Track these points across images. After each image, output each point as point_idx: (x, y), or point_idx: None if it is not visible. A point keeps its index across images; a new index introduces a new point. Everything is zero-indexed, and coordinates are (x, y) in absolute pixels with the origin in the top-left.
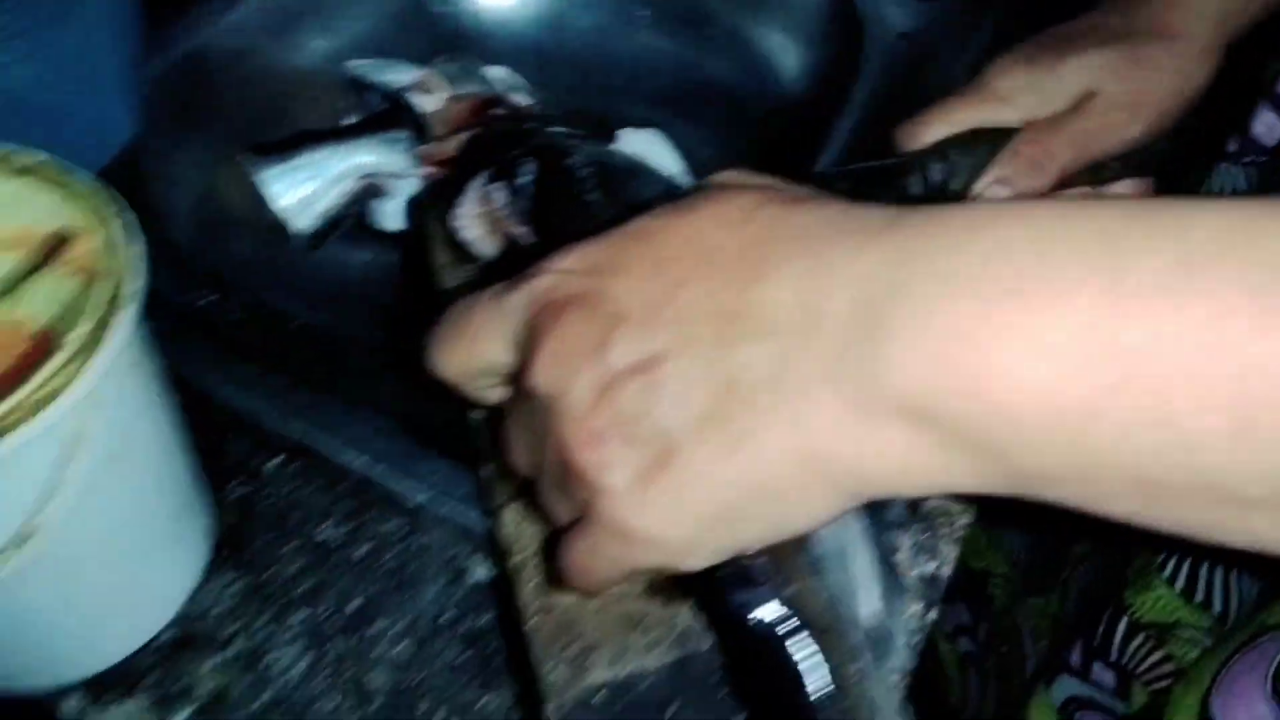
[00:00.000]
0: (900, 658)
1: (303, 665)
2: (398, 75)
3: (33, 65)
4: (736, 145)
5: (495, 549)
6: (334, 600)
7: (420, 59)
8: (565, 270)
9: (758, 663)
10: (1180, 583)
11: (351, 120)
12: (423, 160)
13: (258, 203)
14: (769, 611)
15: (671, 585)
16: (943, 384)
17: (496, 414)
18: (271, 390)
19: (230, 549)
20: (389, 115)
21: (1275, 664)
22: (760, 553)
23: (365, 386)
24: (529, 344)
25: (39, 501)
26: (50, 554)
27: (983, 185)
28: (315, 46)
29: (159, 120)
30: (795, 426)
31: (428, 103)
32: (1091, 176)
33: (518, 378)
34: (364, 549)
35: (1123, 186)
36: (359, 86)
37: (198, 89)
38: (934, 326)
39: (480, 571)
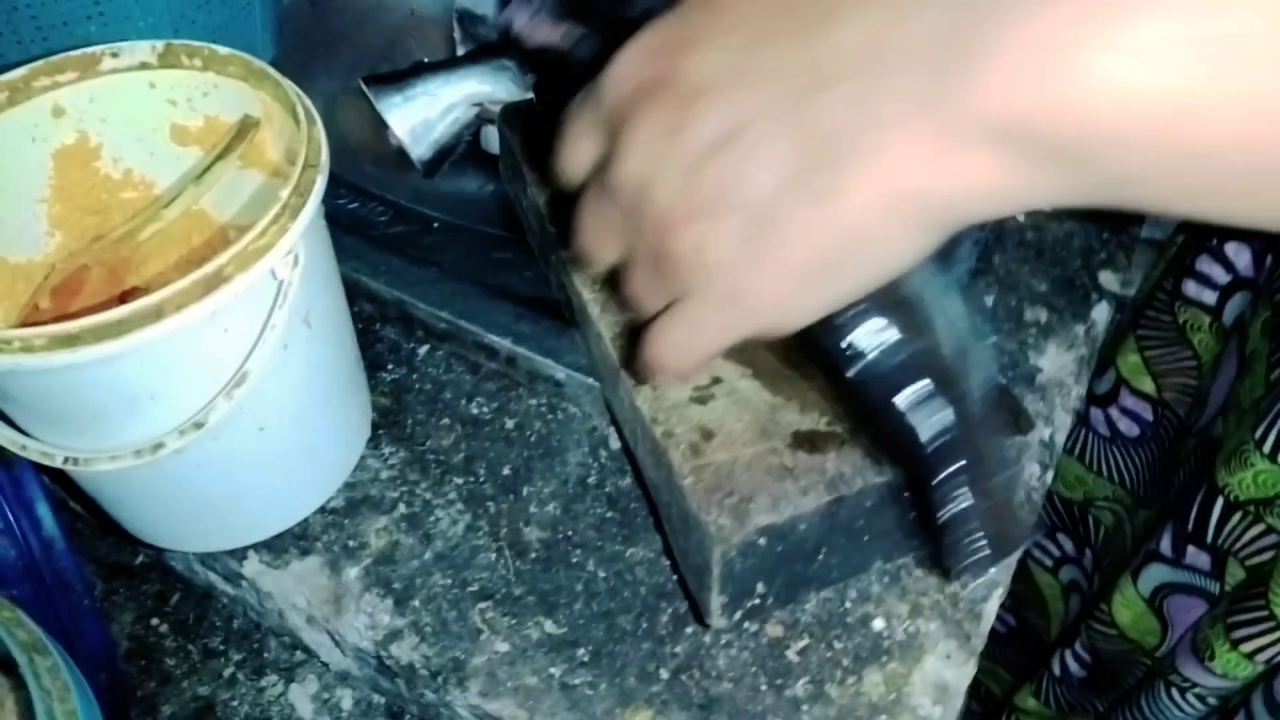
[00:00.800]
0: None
1: (462, 525)
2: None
3: None
4: None
5: (629, 421)
6: (487, 468)
7: None
8: (639, 53)
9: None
10: None
11: (461, 51)
12: (530, 86)
13: (380, 129)
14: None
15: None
16: (1032, 100)
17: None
18: (418, 281)
19: (388, 426)
20: (496, 46)
21: None
22: (860, 301)
23: (505, 276)
24: (615, 135)
25: (251, 347)
26: (252, 404)
27: None
28: None
29: (289, 51)
30: (881, 167)
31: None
32: None
33: (603, 171)
34: (511, 422)
35: None
36: (467, 19)
37: (318, 24)
38: (1018, 40)
39: (620, 439)
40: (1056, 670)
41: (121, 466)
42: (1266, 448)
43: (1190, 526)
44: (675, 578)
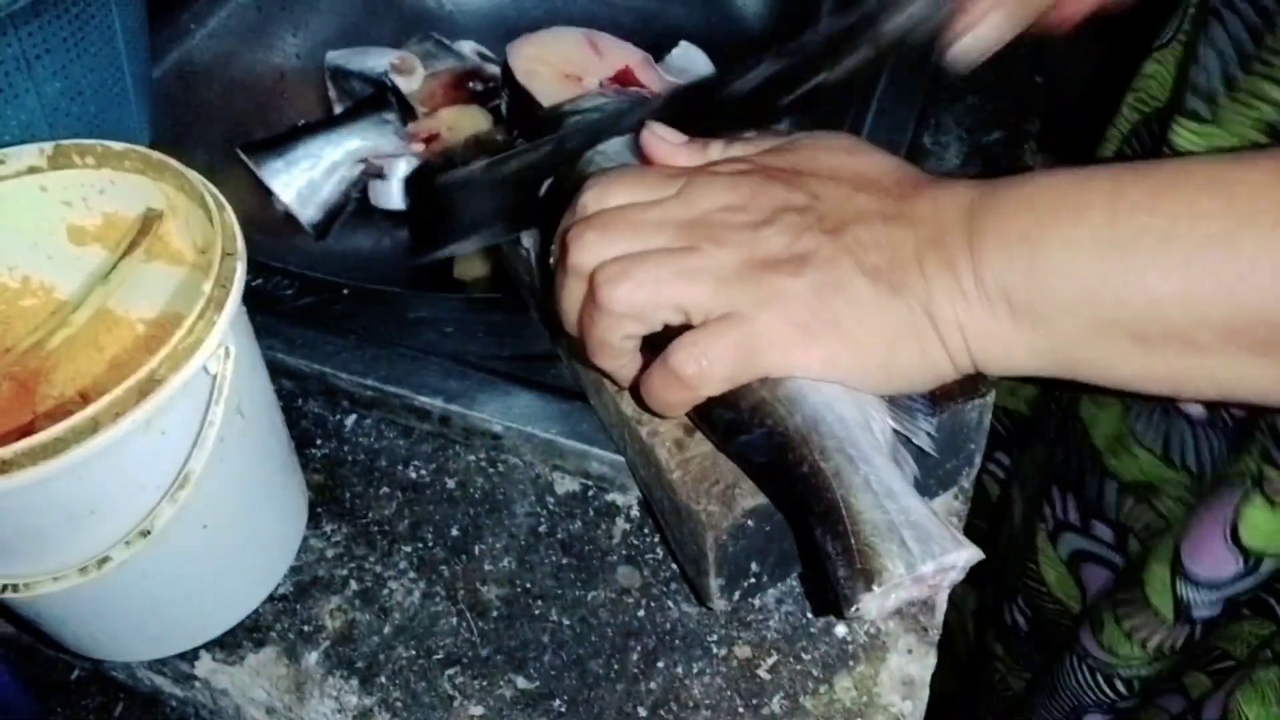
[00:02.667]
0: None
1: (417, 594)
2: (375, 61)
3: (61, 79)
4: None
5: (616, 426)
6: (434, 532)
7: (392, 43)
8: (759, 162)
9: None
10: (1158, 448)
11: (339, 109)
12: (412, 138)
13: (265, 197)
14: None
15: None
16: (1013, 271)
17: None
18: (336, 351)
19: (326, 503)
20: (374, 99)
21: (1233, 513)
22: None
23: (425, 335)
24: (730, 190)
25: (190, 447)
26: (194, 504)
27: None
28: (291, 45)
29: (161, 127)
30: (929, 292)
31: (408, 83)
32: None
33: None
34: (453, 482)
35: None
36: (340, 76)
37: (190, 96)
38: (1007, 229)
39: (566, 483)
40: (1007, 620)
41: (66, 586)
42: (1145, 440)
43: (1091, 500)
44: (642, 613)
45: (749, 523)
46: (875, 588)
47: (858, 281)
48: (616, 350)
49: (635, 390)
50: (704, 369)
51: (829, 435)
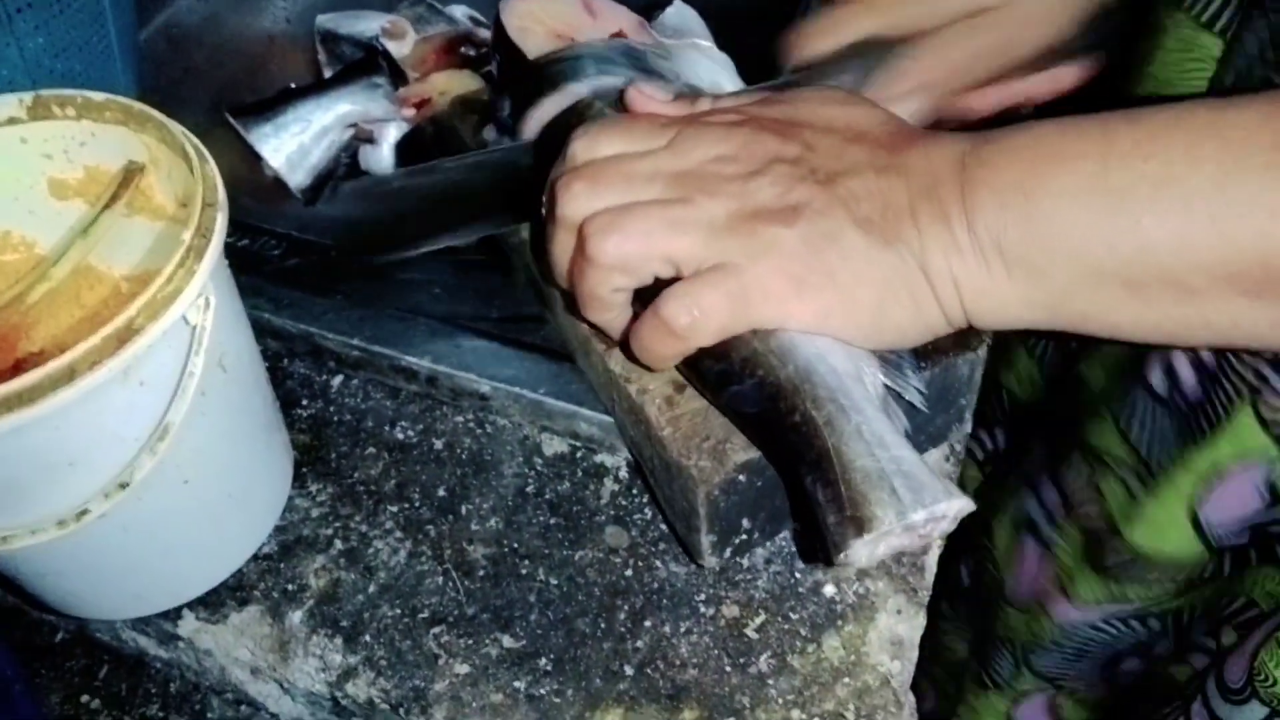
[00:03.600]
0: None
1: (403, 553)
2: (366, 24)
3: (44, 34)
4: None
5: (605, 386)
6: (421, 492)
7: (384, 7)
8: (751, 113)
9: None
10: (1123, 416)
11: (329, 74)
12: (402, 102)
13: (254, 161)
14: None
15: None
16: (1006, 223)
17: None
18: (323, 311)
19: (311, 463)
20: (364, 64)
21: (1267, 472)
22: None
23: (413, 296)
24: (722, 140)
25: (169, 398)
26: (175, 458)
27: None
28: (281, 7)
29: (149, 90)
30: (923, 244)
31: (398, 47)
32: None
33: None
34: (440, 442)
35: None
36: (331, 40)
37: (177, 59)
38: (1000, 180)
39: (555, 444)
40: (954, 577)
41: (44, 539)
42: (1114, 408)
43: (1054, 466)
44: (629, 573)
45: (740, 478)
46: (865, 535)
47: (850, 233)
48: (606, 303)
49: (625, 345)
50: (696, 319)
51: (821, 385)
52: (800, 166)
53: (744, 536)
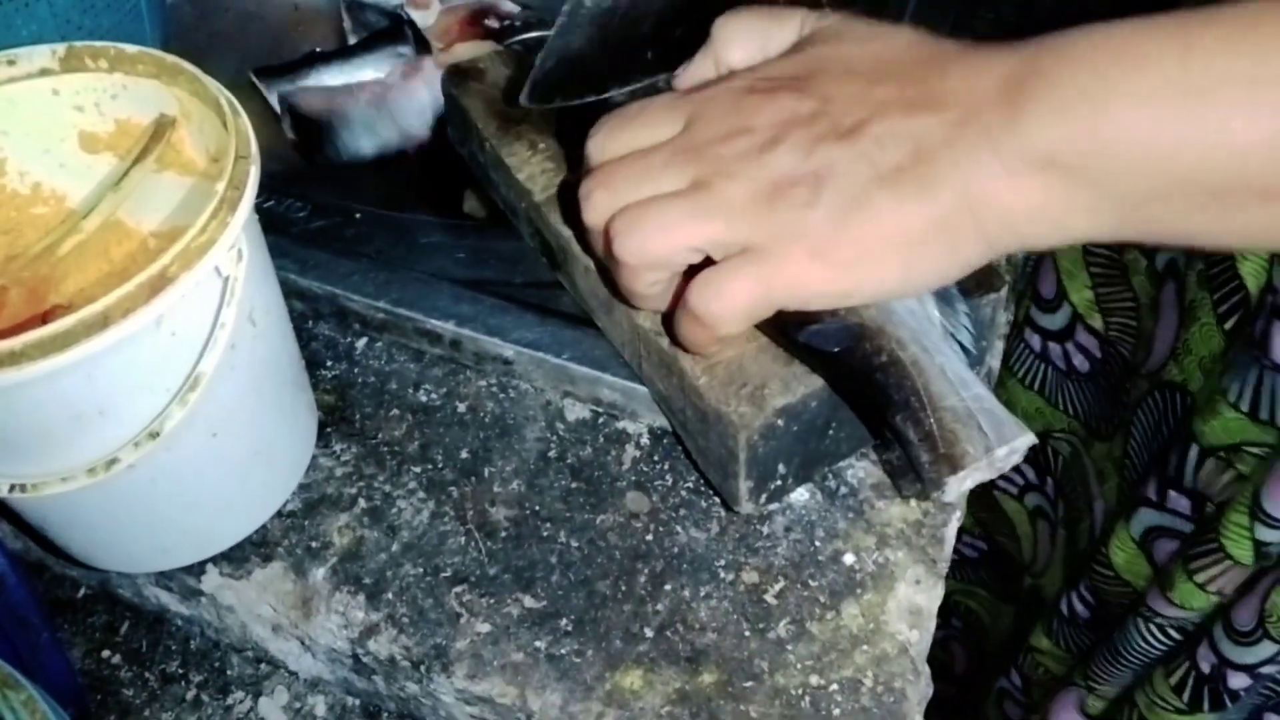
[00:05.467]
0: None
1: (426, 513)
2: None
3: None
4: None
5: (630, 343)
6: (444, 454)
7: None
8: (762, 75)
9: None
10: (1245, 404)
11: (354, 41)
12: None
13: (276, 124)
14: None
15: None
16: (1069, 133)
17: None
18: (349, 273)
19: (336, 424)
20: (389, 32)
21: None
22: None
23: (437, 260)
24: (734, 112)
25: (200, 349)
26: (204, 409)
27: None
28: None
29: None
30: (963, 178)
31: (423, 17)
32: None
33: (701, 140)
34: (463, 405)
35: None
36: (356, 8)
37: (203, 25)
38: (1060, 90)
39: (577, 409)
40: (1065, 611)
41: (74, 488)
42: (1231, 397)
43: (1171, 471)
44: (650, 538)
45: (779, 422)
46: (959, 471)
47: (877, 194)
48: (648, 296)
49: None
50: (722, 309)
51: (902, 326)
52: (818, 124)
53: (779, 481)
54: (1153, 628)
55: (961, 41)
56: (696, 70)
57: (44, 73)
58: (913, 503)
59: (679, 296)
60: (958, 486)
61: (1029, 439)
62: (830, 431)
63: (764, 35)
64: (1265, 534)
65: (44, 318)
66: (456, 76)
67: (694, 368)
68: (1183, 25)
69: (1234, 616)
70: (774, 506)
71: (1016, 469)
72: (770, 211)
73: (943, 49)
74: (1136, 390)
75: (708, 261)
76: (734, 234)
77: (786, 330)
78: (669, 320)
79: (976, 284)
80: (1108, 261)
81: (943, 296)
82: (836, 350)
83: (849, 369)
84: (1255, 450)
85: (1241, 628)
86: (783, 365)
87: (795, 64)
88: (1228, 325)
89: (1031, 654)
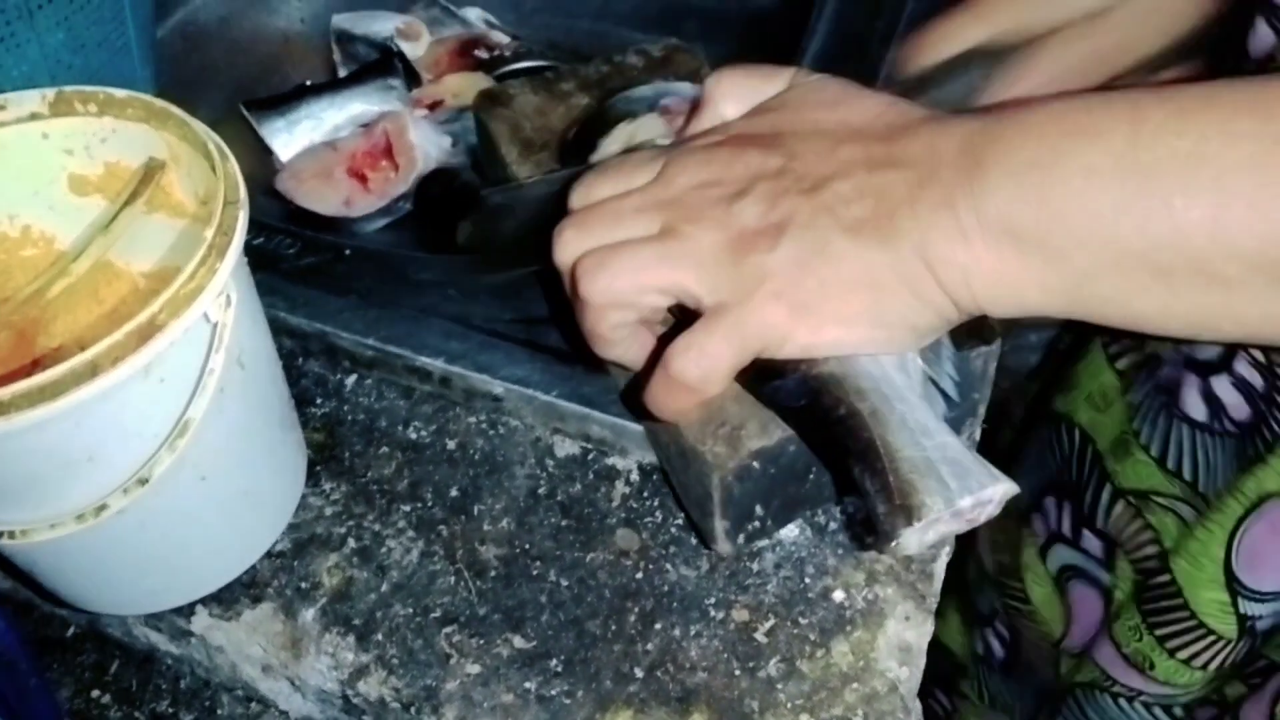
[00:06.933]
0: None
1: (416, 553)
2: (381, 25)
3: (64, 30)
4: (715, 58)
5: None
6: (434, 492)
7: (399, 8)
8: (736, 130)
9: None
10: (1155, 450)
11: (343, 73)
12: (416, 104)
13: (267, 157)
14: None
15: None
16: (1021, 200)
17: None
18: (338, 310)
19: (325, 462)
20: (379, 64)
21: None
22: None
23: (427, 296)
24: (705, 164)
25: (189, 395)
26: (192, 454)
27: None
28: (296, 7)
29: (165, 86)
30: (921, 234)
31: (413, 48)
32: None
33: (672, 191)
34: (453, 443)
35: (1170, 73)
36: (346, 39)
37: (193, 58)
38: (1015, 157)
39: (567, 445)
40: (980, 649)
41: (63, 534)
42: (1143, 440)
43: (1085, 510)
44: (640, 576)
45: (754, 464)
46: (915, 522)
47: (837, 241)
48: (610, 340)
49: (639, 387)
50: (706, 370)
51: (864, 376)
52: (783, 179)
53: (757, 523)
54: (1139, 706)
55: (932, 109)
56: (696, 125)
57: (34, 117)
58: None
59: (651, 367)
60: (917, 539)
61: (1005, 488)
62: (811, 476)
63: (755, 91)
64: (1250, 608)
65: (35, 362)
66: (486, 102)
67: None
68: (1137, 102)
69: (1243, 716)
70: (764, 543)
71: None
72: (736, 262)
73: (910, 113)
74: (1012, 413)
75: (673, 331)
76: (703, 286)
77: (753, 382)
78: (636, 393)
79: (968, 335)
80: None
81: (930, 346)
82: (798, 405)
83: (811, 422)
84: (1161, 500)
85: None
86: (764, 408)
87: (770, 121)
88: (1120, 365)
89: (963, 703)
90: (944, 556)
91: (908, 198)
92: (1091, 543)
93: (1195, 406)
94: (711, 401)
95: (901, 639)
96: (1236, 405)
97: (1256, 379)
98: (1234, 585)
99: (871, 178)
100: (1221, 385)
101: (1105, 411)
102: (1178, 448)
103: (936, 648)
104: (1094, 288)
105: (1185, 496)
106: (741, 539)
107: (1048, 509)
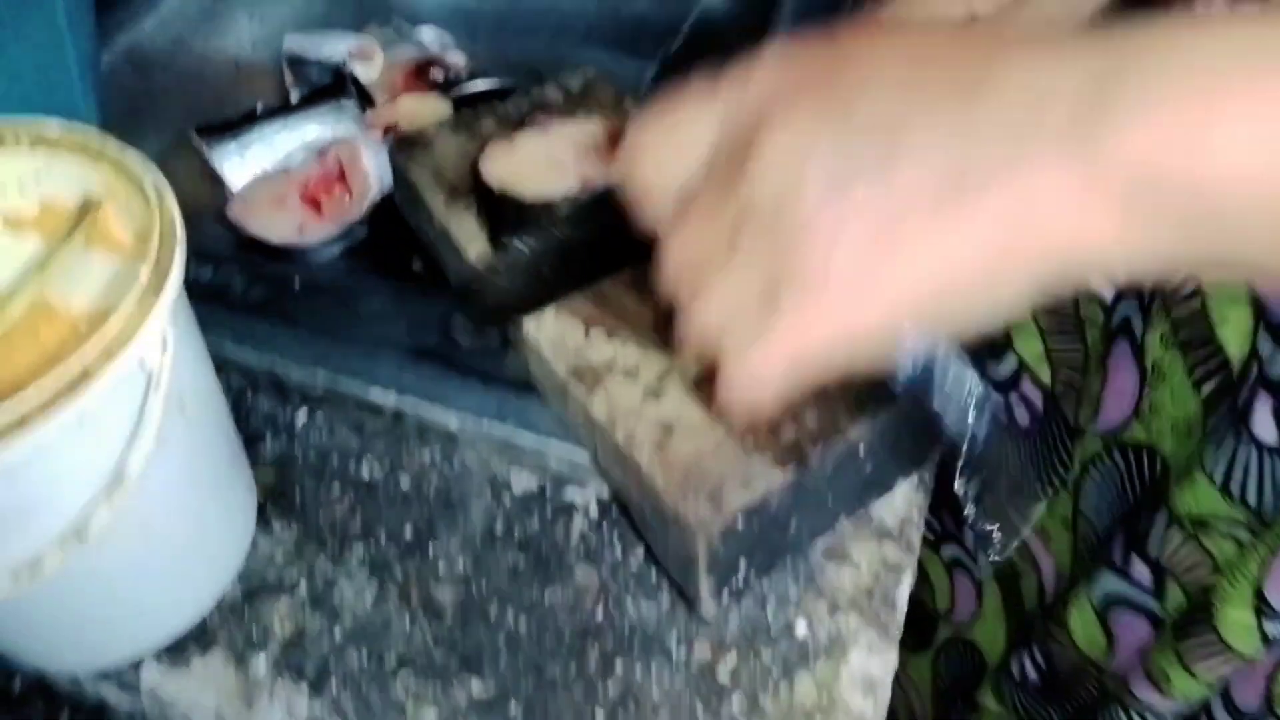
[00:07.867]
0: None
1: (369, 596)
2: (334, 47)
3: (1, 60)
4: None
5: (586, 433)
6: (387, 532)
7: (352, 29)
8: (785, 73)
9: None
10: (1219, 476)
11: (295, 97)
12: (370, 126)
13: (220, 185)
14: None
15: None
16: (1165, 157)
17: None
18: (287, 344)
19: (275, 501)
20: (331, 88)
21: None
22: None
23: (380, 328)
24: (751, 130)
25: (125, 445)
26: (133, 506)
27: None
28: (247, 31)
29: (114, 114)
30: (1022, 197)
31: (366, 70)
32: None
33: (730, 166)
34: (407, 480)
35: None
36: (297, 63)
37: (141, 84)
38: (1160, 106)
39: (523, 480)
40: (1015, 674)
41: None
42: (1207, 466)
43: (1139, 535)
44: (600, 615)
45: (739, 522)
46: None
47: (919, 224)
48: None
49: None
50: (779, 375)
51: None
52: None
53: (741, 580)
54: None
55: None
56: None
57: None
58: (863, 567)
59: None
60: None
61: None
62: (792, 523)
63: (679, 150)
64: (1275, 629)
65: None
66: (405, 147)
67: (652, 465)
68: None
69: (1236, 696)
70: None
71: (934, 517)
72: (801, 257)
73: (995, 41)
74: (1085, 450)
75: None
76: (742, 289)
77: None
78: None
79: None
80: (1061, 313)
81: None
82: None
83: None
84: (1220, 527)
85: (1245, 708)
86: (743, 459)
87: (802, 69)
88: (1204, 390)
89: (980, 713)
90: (906, 584)
91: (1003, 154)
92: (1141, 572)
93: (1265, 428)
94: (688, 456)
95: (866, 670)
96: None
97: None
98: (1262, 605)
99: (954, 134)
100: None
101: (1177, 437)
102: (1243, 471)
103: (972, 649)
104: (1240, 248)
105: (1246, 521)
106: (725, 597)
107: (1101, 537)
